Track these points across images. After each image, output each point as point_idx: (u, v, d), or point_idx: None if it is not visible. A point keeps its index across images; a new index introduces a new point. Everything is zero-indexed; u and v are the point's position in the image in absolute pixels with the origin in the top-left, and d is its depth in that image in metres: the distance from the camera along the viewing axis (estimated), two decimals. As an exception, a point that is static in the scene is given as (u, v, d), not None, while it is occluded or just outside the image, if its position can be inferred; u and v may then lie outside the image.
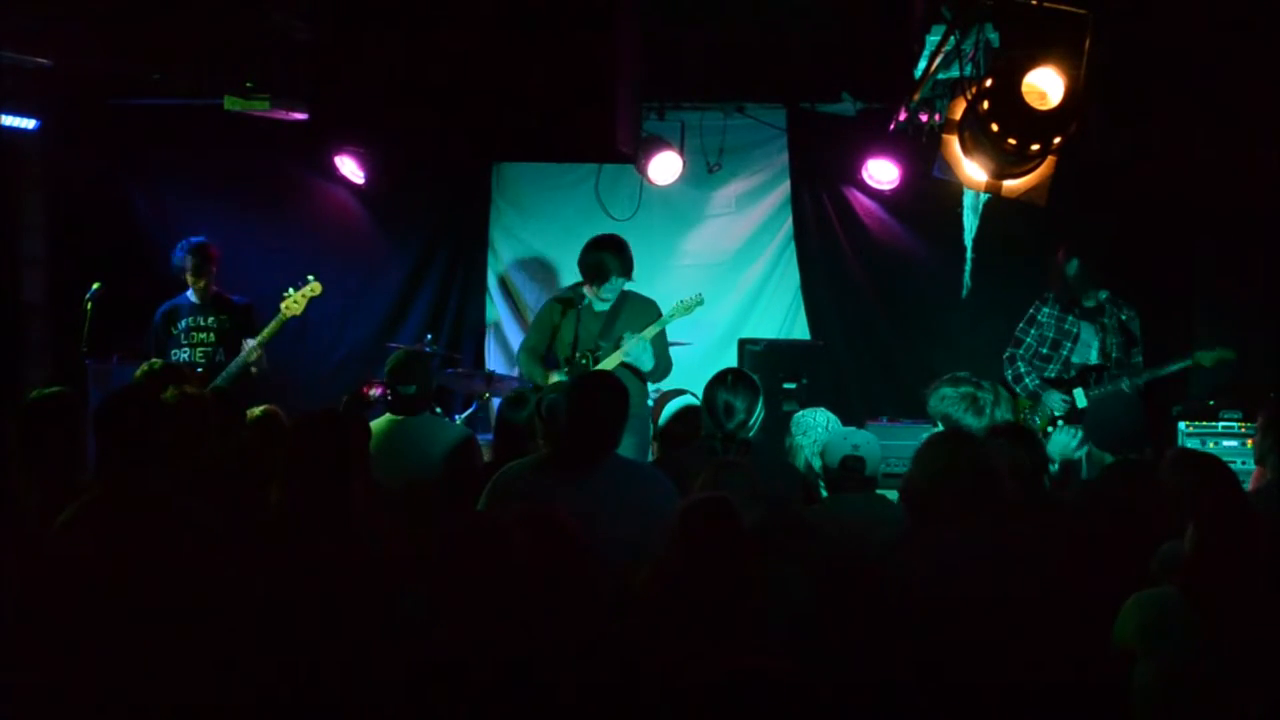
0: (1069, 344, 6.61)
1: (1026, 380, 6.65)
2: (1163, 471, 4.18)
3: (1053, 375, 6.61)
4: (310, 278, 6.69)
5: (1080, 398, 6.48)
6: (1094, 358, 6.57)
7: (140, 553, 3.34)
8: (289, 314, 6.63)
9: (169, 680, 3.14)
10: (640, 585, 3.43)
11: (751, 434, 4.70)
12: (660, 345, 6.39)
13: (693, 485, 3.93)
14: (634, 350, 6.20)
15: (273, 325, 6.60)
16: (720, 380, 4.73)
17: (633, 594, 3.38)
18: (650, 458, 6.67)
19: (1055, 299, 6.64)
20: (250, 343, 6.57)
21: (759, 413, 4.71)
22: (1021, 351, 6.69)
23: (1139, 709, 3.31)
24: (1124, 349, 6.58)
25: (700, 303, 6.53)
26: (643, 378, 6.50)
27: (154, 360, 5.77)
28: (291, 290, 6.65)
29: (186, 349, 6.81)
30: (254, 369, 6.62)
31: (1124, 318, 6.60)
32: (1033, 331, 6.70)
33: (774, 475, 4.69)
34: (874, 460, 4.37)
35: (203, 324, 6.86)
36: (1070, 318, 6.62)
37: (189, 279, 6.84)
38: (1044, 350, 6.65)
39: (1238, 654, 3.24)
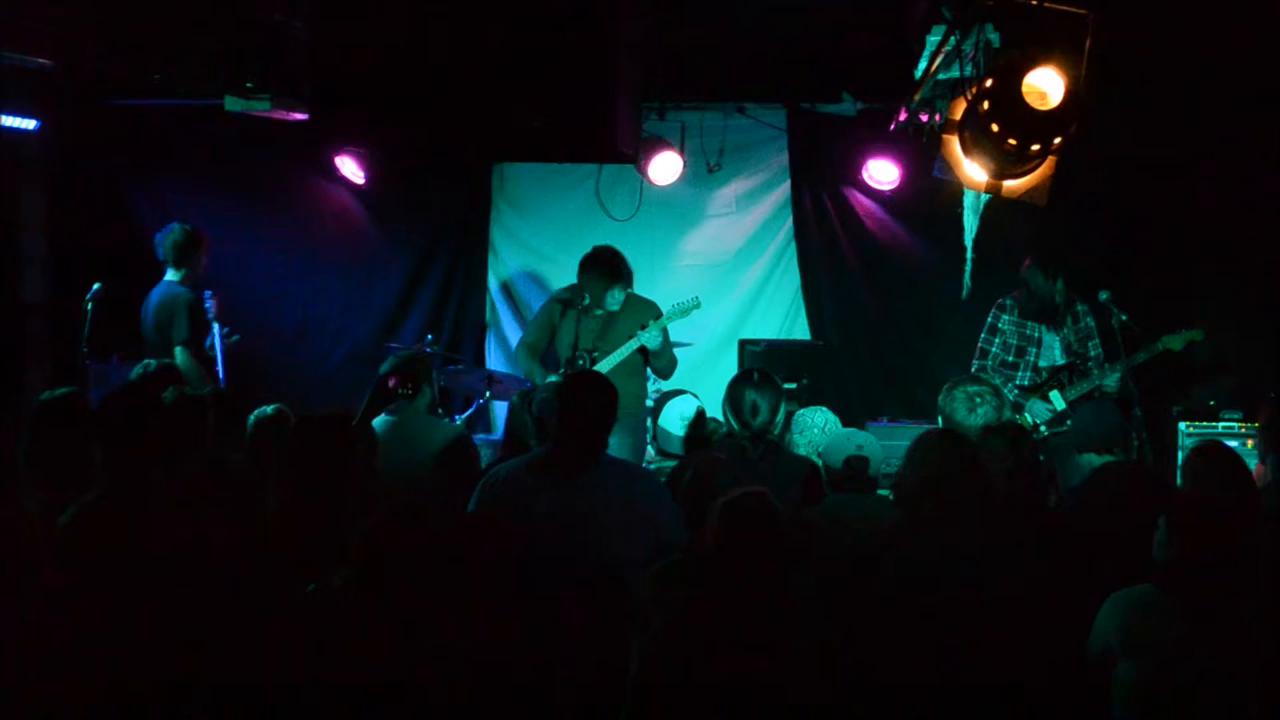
0: (1033, 349, 6.48)
1: (1004, 391, 6.39)
2: (1185, 463, 4.29)
3: (1026, 383, 6.49)
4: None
5: (1058, 400, 6.42)
6: (1059, 357, 6.48)
7: (140, 550, 3.35)
8: None
9: (163, 676, 3.15)
10: (658, 583, 3.42)
11: (776, 432, 4.72)
12: (664, 341, 6.41)
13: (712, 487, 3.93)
14: (651, 336, 6.26)
15: None
16: (747, 378, 4.76)
17: (651, 592, 3.37)
18: (646, 459, 6.70)
19: (1018, 305, 6.50)
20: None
21: (782, 412, 4.73)
22: (989, 363, 6.53)
23: (1121, 709, 3.31)
24: (1083, 343, 6.48)
25: (697, 305, 6.56)
26: (643, 377, 6.52)
27: (148, 361, 5.78)
28: None
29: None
30: None
31: (1080, 310, 6.50)
32: (996, 340, 6.55)
33: (788, 465, 4.70)
34: (876, 461, 4.38)
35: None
36: (1030, 323, 6.49)
37: (187, 266, 6.71)
38: (1009, 358, 6.52)
39: (1220, 652, 3.24)
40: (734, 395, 4.74)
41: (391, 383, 4.82)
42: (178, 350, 6.57)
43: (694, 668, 2.99)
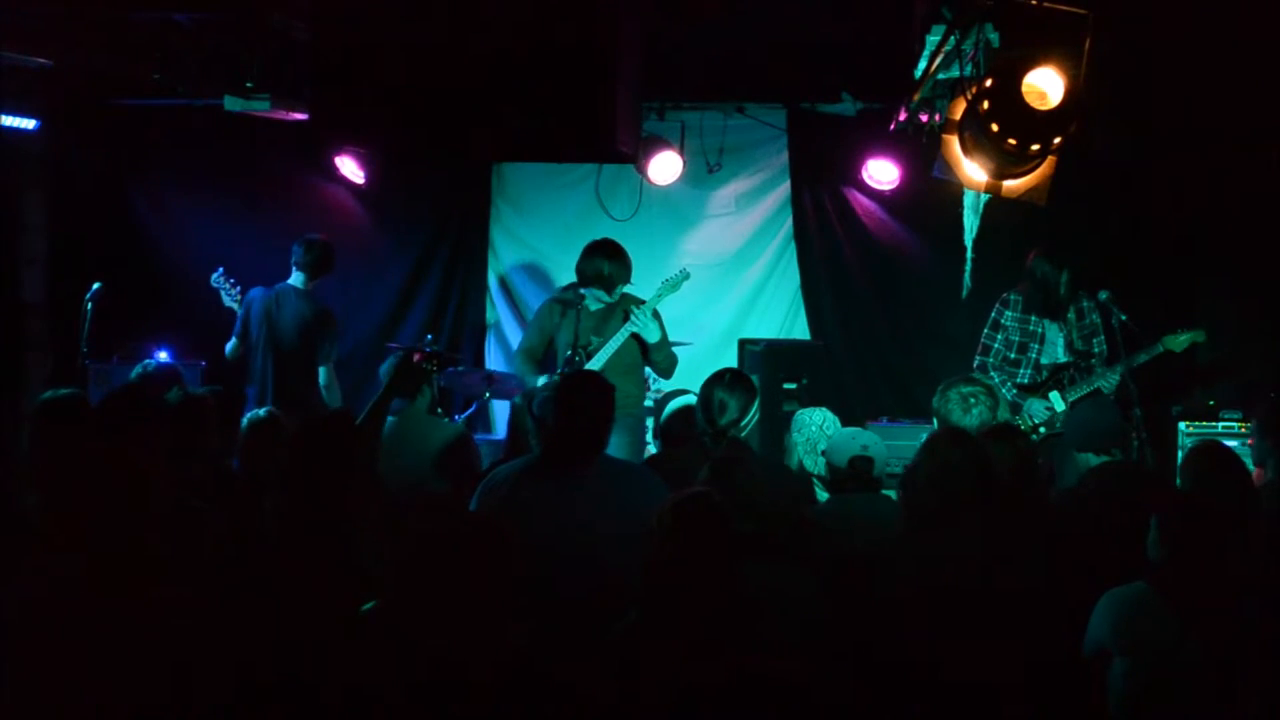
0: (1036, 345, 6.39)
1: (1004, 390, 6.33)
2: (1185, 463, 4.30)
3: (1026, 380, 6.41)
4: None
5: (1058, 401, 6.37)
6: (1061, 355, 6.40)
7: (135, 550, 3.34)
8: None
9: (157, 675, 3.14)
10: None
11: (743, 434, 4.73)
12: (662, 332, 6.40)
13: (691, 483, 3.93)
14: (641, 319, 6.23)
15: None
16: (718, 378, 4.78)
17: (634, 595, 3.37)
18: (646, 458, 6.68)
19: (1021, 301, 6.41)
20: None
21: (753, 414, 4.74)
22: (991, 359, 6.44)
23: (1116, 707, 3.32)
24: (1087, 340, 6.42)
25: (686, 277, 6.57)
26: (641, 376, 6.51)
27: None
28: None
29: None
30: None
31: (1085, 305, 6.42)
32: (999, 336, 6.45)
33: (768, 474, 4.71)
34: (881, 461, 4.38)
35: None
36: (1033, 318, 6.39)
37: (318, 279, 6.88)
38: (1011, 355, 6.42)
39: (1213, 650, 3.25)
40: (704, 393, 4.80)
41: (416, 358, 4.82)
42: (324, 371, 6.70)
43: (652, 671, 2.99)
